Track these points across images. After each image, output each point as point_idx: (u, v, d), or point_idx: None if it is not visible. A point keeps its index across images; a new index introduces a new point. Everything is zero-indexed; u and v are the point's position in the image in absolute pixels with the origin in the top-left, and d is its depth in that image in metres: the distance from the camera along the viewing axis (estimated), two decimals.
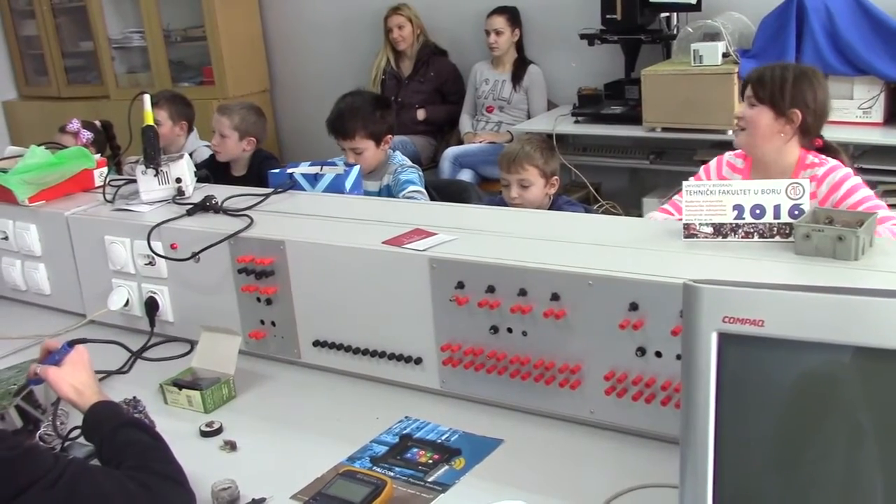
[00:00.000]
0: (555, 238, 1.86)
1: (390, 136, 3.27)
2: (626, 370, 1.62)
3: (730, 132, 4.05)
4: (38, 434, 1.78)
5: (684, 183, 1.82)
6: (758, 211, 1.72)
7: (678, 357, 1.55)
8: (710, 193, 1.75)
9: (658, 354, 1.58)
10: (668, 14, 4.53)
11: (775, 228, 1.71)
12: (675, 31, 4.50)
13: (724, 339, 1.07)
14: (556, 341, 1.68)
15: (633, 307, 1.58)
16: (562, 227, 2.00)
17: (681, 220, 1.80)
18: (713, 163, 2.76)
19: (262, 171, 3.83)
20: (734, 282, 1.06)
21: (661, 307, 1.55)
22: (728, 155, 2.76)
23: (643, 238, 1.83)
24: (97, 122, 4.09)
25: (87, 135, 3.70)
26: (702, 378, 1.07)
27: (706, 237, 1.75)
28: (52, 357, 1.72)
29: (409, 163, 3.27)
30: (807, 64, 3.39)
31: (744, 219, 1.73)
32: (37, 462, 1.34)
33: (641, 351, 1.59)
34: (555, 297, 1.66)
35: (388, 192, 3.13)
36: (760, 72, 2.65)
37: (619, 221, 2.17)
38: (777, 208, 1.71)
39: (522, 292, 1.69)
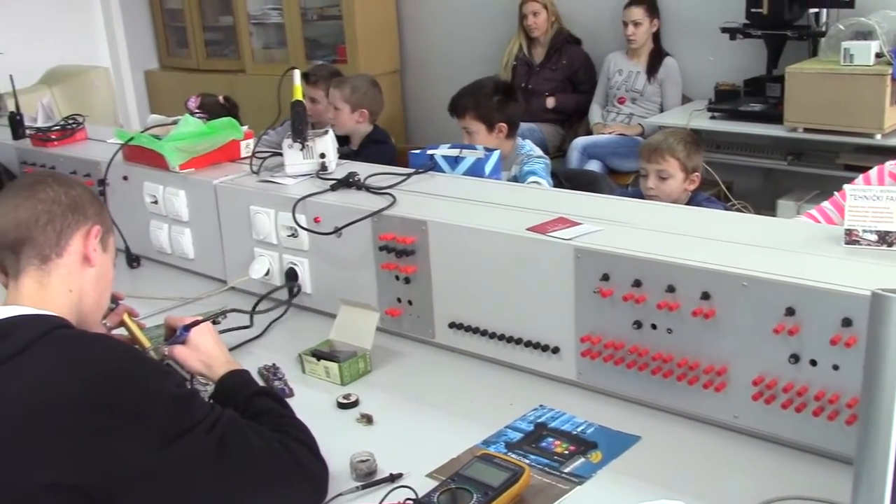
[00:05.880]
0: (704, 235, 1.81)
1: (505, 125, 3.15)
2: (777, 376, 1.56)
3: (878, 136, 3.87)
4: None
5: (846, 187, 1.74)
6: None
7: (835, 367, 1.49)
8: (876, 199, 1.67)
9: (813, 363, 1.52)
10: (817, 10, 4.35)
11: None
12: (823, 28, 4.32)
13: None
14: (703, 341, 1.64)
15: (790, 312, 1.52)
16: (710, 224, 1.94)
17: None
18: (873, 173, 2.61)
19: (369, 151, 3.73)
20: None
21: (821, 314, 1.48)
22: (890, 165, 2.61)
23: (798, 241, 1.75)
24: (220, 98, 4.08)
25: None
26: (887, 393, 1.02)
27: (869, 245, 1.67)
28: (176, 337, 1.75)
29: (538, 152, 3.17)
30: None
31: None
32: (199, 405, 1.39)
33: (795, 358, 1.53)
34: (705, 295, 1.62)
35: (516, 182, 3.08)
36: None
37: (770, 222, 2.08)
38: None
39: (671, 289, 1.65)
